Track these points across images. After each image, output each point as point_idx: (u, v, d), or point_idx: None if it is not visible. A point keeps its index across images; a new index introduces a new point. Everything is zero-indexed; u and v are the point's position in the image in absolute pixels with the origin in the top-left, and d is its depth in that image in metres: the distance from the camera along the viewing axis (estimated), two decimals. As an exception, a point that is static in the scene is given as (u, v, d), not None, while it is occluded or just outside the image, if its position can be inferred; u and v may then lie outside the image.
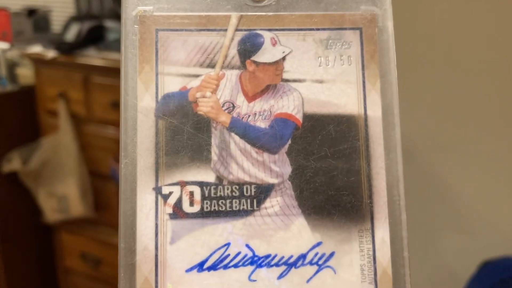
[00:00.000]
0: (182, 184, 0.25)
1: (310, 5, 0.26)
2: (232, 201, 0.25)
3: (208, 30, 0.26)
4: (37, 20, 1.44)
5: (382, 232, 0.25)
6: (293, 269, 0.25)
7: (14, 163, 1.27)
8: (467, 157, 0.94)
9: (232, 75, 0.26)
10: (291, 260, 0.25)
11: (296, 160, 0.26)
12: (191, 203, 0.25)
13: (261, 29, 0.26)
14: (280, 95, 0.26)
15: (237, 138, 0.26)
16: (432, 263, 1.01)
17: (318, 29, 0.26)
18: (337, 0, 0.27)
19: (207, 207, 0.25)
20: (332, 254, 0.25)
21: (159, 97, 0.26)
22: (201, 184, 0.25)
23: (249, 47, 0.26)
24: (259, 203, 0.26)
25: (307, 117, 0.26)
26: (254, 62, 0.26)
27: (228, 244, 0.25)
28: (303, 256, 0.25)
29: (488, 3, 0.88)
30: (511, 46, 0.88)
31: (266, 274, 0.25)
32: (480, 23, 0.89)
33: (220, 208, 0.25)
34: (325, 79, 0.26)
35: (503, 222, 0.95)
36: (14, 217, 1.33)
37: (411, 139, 0.96)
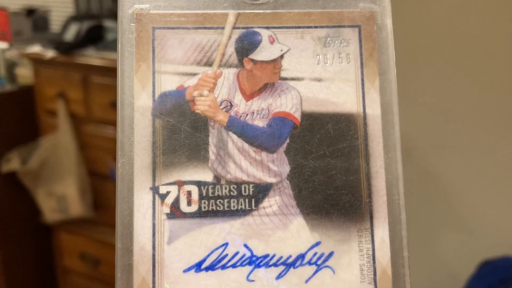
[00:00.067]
0: (180, 183, 0.25)
1: (308, 3, 0.26)
2: (230, 200, 0.25)
3: (205, 28, 0.26)
4: (36, 20, 1.44)
5: (382, 231, 0.25)
6: (291, 269, 0.25)
7: (13, 163, 1.27)
8: (467, 156, 0.94)
9: (229, 74, 0.26)
10: (290, 260, 0.25)
11: (295, 159, 0.26)
12: (189, 203, 0.25)
13: (258, 27, 0.26)
14: (278, 93, 0.26)
15: (235, 137, 0.26)
16: (432, 263, 1.01)
17: (316, 27, 0.26)
18: (335, -3, 0.26)
19: (204, 207, 0.25)
20: (331, 254, 0.25)
21: (156, 95, 0.25)
22: (198, 184, 0.25)
23: (246, 45, 0.26)
24: (257, 202, 0.25)
25: (306, 116, 0.26)
26: (252, 60, 0.26)
27: (226, 244, 0.25)
28: (301, 256, 0.25)
29: (488, 0, 0.88)
30: (511, 44, 0.88)
31: (264, 274, 0.25)
32: (480, 20, 0.89)
33: (218, 208, 0.25)
34: (323, 77, 0.26)
35: (503, 221, 0.95)
36: (13, 217, 1.33)
37: (410, 137, 0.96)
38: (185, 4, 0.26)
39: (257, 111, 0.26)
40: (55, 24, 1.52)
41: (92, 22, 1.32)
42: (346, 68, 0.26)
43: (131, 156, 0.25)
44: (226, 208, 0.25)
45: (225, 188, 0.25)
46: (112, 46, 1.23)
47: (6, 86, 1.37)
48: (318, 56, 0.26)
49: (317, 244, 0.25)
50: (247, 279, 0.25)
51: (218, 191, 0.25)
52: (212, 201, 0.25)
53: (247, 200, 0.25)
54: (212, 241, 0.25)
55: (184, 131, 0.25)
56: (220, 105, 0.26)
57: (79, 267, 1.34)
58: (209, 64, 0.26)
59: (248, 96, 0.26)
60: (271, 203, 0.25)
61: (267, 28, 0.26)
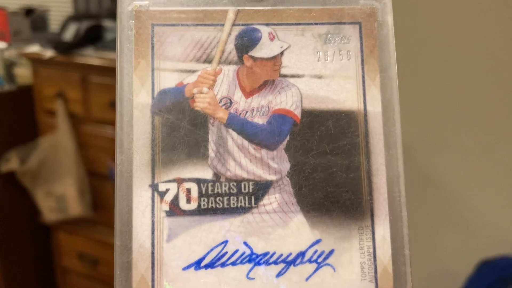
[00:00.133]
0: (179, 181, 0.25)
1: (309, -1, 0.26)
2: (230, 198, 0.25)
3: (205, 25, 0.26)
4: (35, 20, 1.43)
5: (383, 229, 0.25)
6: (292, 267, 0.25)
7: (12, 163, 1.26)
8: (467, 156, 0.94)
9: (229, 71, 0.26)
10: (290, 258, 0.25)
11: (295, 156, 0.25)
12: (188, 200, 0.25)
13: (258, 24, 0.26)
14: (278, 90, 0.26)
15: (234, 134, 0.26)
16: (430, 262, 1.01)
17: (316, 24, 0.26)
18: (336, -6, 0.26)
19: (204, 204, 0.25)
20: (331, 252, 0.25)
21: (155, 92, 0.25)
22: (198, 181, 0.25)
23: (246, 42, 0.26)
24: (257, 200, 0.25)
25: (306, 113, 0.26)
26: (252, 57, 0.26)
27: (225, 242, 0.25)
28: (302, 254, 0.25)
29: None
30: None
31: (264, 272, 0.25)
32: (482, 18, 0.89)
33: (217, 205, 0.25)
34: (324, 74, 0.26)
35: (502, 221, 0.95)
36: (12, 217, 1.33)
37: (411, 135, 0.96)
38: (185, 0, 0.26)
39: (257, 108, 0.26)
40: (54, 23, 1.52)
41: (91, 22, 1.32)
42: (347, 65, 0.26)
43: (130, 153, 0.25)
44: (225, 206, 0.25)
45: (225, 186, 0.25)
46: (111, 46, 1.22)
47: (5, 86, 1.37)
48: (318, 53, 0.26)
49: (318, 241, 0.25)
50: (247, 277, 0.24)
51: (217, 188, 0.25)
52: (211, 198, 0.25)
53: (247, 197, 0.25)
54: (211, 239, 0.25)
55: (183, 128, 0.25)
56: (219, 102, 0.26)
57: (78, 267, 1.34)
58: (208, 61, 0.26)
59: (248, 93, 0.26)
60: (271, 200, 0.25)
61: (267, 25, 0.26)
